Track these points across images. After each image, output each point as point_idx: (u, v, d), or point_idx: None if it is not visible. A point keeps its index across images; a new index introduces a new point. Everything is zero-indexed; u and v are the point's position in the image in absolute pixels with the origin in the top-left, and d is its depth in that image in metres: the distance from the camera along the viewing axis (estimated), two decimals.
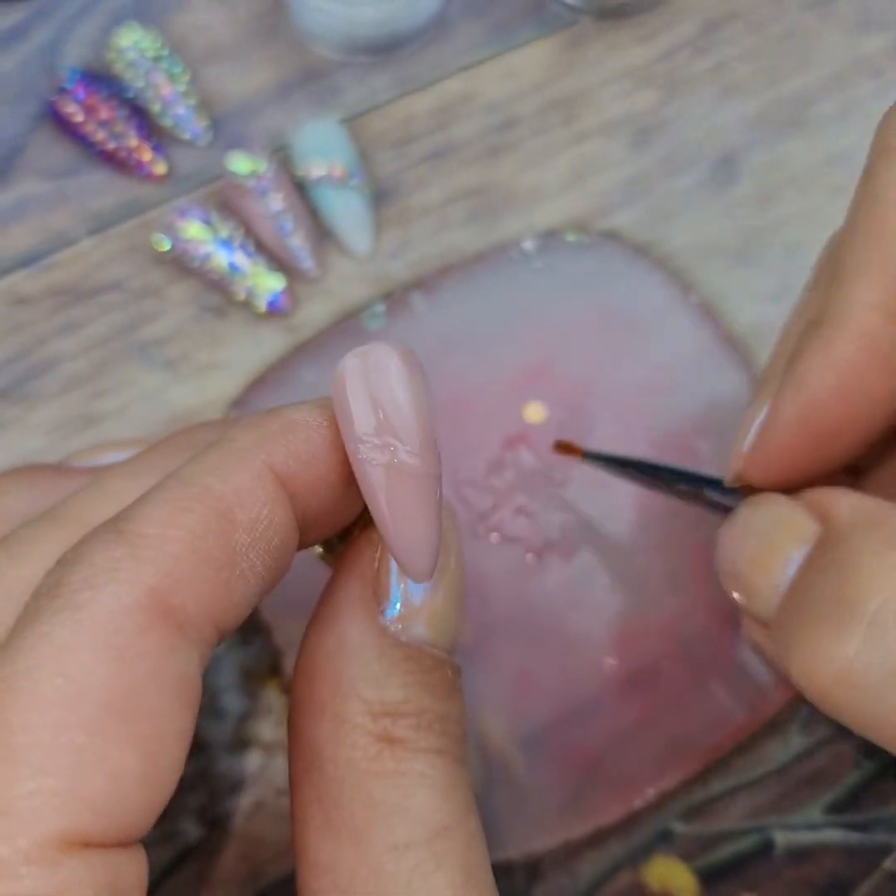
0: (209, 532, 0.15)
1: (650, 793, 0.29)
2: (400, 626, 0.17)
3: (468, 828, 0.17)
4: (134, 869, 0.14)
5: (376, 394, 0.16)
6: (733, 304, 0.35)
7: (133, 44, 0.36)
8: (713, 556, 0.23)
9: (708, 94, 0.38)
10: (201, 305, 0.34)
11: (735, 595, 0.21)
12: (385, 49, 0.37)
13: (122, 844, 0.14)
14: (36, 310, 0.34)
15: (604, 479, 0.32)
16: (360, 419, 0.16)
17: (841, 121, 0.38)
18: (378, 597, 0.18)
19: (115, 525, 0.15)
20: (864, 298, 0.19)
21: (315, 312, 0.34)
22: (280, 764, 0.29)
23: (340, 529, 0.19)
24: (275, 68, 0.37)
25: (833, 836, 0.30)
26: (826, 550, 0.19)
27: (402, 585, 0.18)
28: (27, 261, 0.35)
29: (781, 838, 0.30)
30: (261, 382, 0.33)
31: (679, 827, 0.30)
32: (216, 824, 0.29)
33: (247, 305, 0.34)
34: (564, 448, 0.27)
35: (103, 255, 0.35)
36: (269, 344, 0.34)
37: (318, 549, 0.21)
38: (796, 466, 0.21)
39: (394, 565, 0.18)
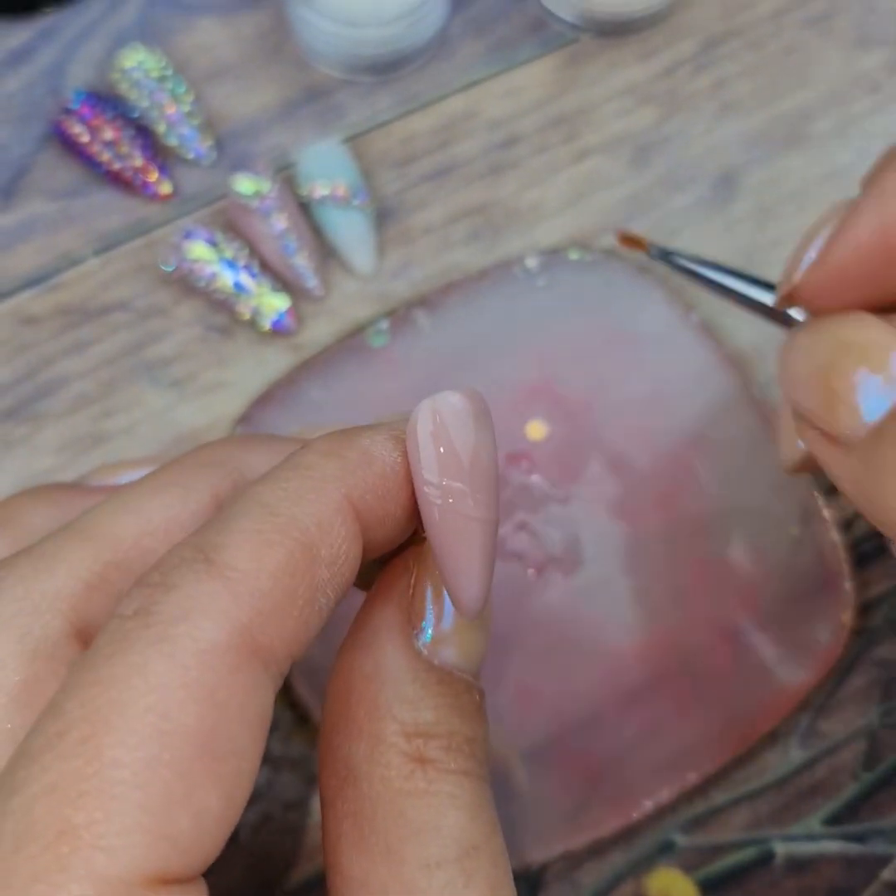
0: (296, 569, 0.15)
1: (650, 805, 0.30)
2: (431, 650, 0.18)
3: (494, 847, 0.17)
4: None
5: (450, 442, 0.17)
6: (733, 321, 0.35)
7: (138, 64, 0.36)
8: (782, 362, 0.21)
9: (708, 111, 0.38)
10: (207, 325, 0.34)
11: (812, 407, 0.19)
12: (387, 68, 0.38)
13: (192, 878, 0.14)
14: (43, 330, 0.34)
15: (605, 497, 0.32)
16: (429, 464, 0.17)
17: (840, 137, 0.38)
18: (413, 621, 0.18)
19: (202, 552, 0.15)
20: None
21: (319, 331, 0.35)
22: (286, 779, 0.30)
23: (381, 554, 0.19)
24: (278, 88, 0.38)
25: (832, 847, 0.30)
26: None
27: (434, 611, 0.18)
28: (34, 281, 0.35)
29: (781, 849, 0.30)
30: (267, 399, 0.33)
31: (680, 838, 0.30)
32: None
33: (252, 325, 0.34)
34: (629, 241, 0.26)
35: (110, 275, 0.35)
36: (274, 363, 0.34)
37: None
38: (863, 292, 0.19)
39: (428, 592, 0.18)
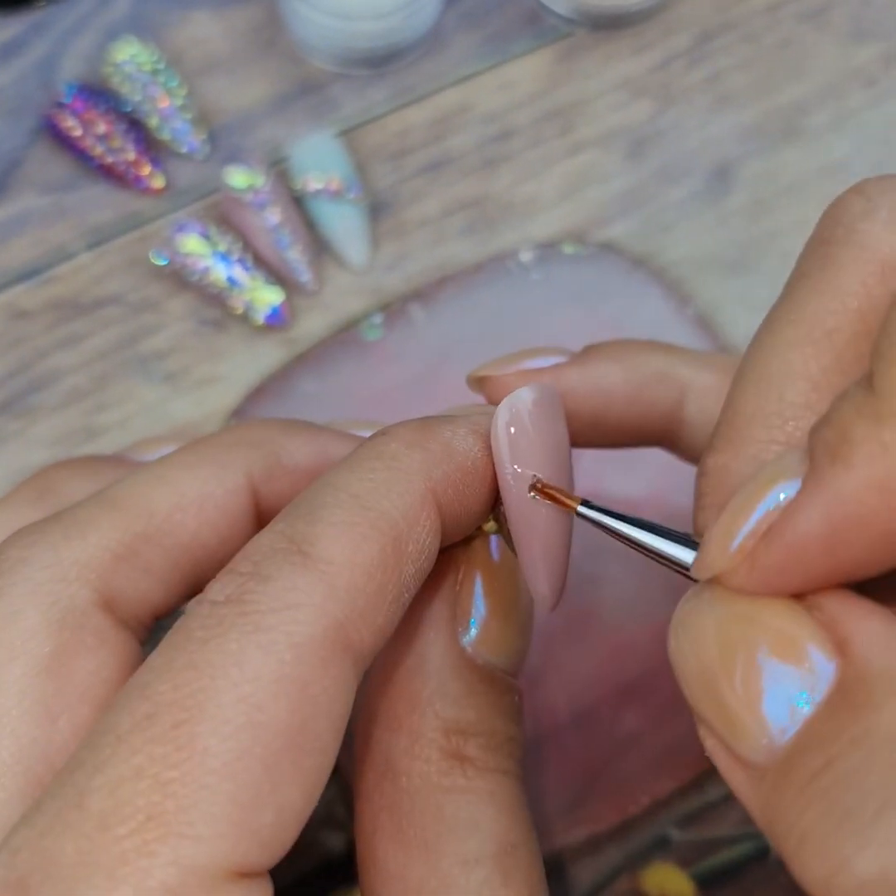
0: (387, 563, 0.15)
1: (646, 800, 0.30)
2: (475, 648, 0.18)
3: (532, 847, 0.17)
4: (267, 891, 0.14)
5: (532, 438, 0.17)
6: (729, 314, 0.35)
7: (130, 58, 0.36)
8: (671, 643, 0.16)
9: (703, 104, 0.38)
10: (200, 319, 0.34)
11: (704, 715, 0.15)
12: (382, 62, 0.37)
13: (264, 872, 0.14)
14: (36, 324, 0.34)
15: (600, 490, 0.32)
16: (518, 460, 0.17)
17: (835, 130, 0.38)
18: (459, 618, 0.18)
19: (296, 544, 0.15)
20: None
21: (313, 325, 0.34)
22: None
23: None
24: (272, 81, 0.38)
25: None
26: (847, 705, 0.13)
27: (478, 611, 0.18)
28: (26, 275, 0.35)
29: None
30: (260, 393, 0.33)
31: (676, 833, 0.30)
32: None
33: (245, 319, 0.34)
34: (549, 495, 0.19)
35: (102, 269, 0.35)
36: (267, 357, 0.34)
37: (491, 525, 0.21)
38: (814, 577, 0.14)
39: (476, 589, 0.18)
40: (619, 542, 0.18)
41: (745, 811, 0.30)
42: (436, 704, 0.17)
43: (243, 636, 0.14)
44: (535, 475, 0.17)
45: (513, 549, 0.19)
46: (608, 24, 0.39)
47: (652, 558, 0.18)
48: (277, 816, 0.13)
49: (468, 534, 0.18)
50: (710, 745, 0.15)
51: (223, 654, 0.14)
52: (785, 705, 0.14)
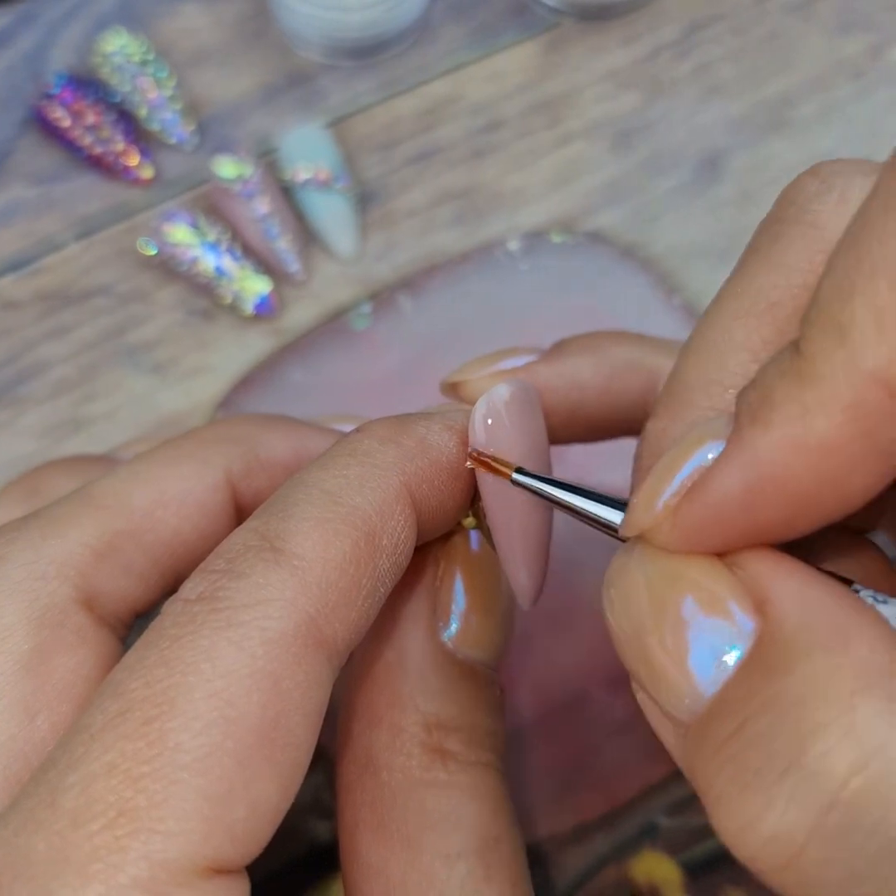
0: (360, 558, 0.15)
1: (634, 788, 0.30)
2: (455, 643, 0.18)
3: (514, 840, 0.17)
4: (244, 889, 0.14)
5: (510, 431, 0.17)
6: None
7: (119, 49, 0.36)
8: (604, 601, 0.16)
9: (691, 95, 0.38)
10: (189, 309, 0.34)
11: (634, 669, 0.15)
12: (369, 53, 0.38)
13: (239, 869, 0.14)
14: (24, 314, 0.34)
15: (590, 479, 0.32)
16: (497, 451, 0.17)
17: (822, 122, 0.38)
18: (439, 614, 0.18)
19: (268, 541, 0.15)
20: (869, 365, 0.13)
21: (301, 315, 0.34)
22: None
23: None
24: (260, 72, 0.38)
25: None
26: (762, 667, 0.13)
27: (459, 606, 0.18)
28: (15, 265, 0.35)
29: None
30: (249, 382, 0.33)
31: (664, 821, 0.30)
32: None
33: (234, 309, 0.34)
34: (484, 464, 0.19)
35: (91, 260, 0.35)
36: (256, 346, 0.34)
37: (470, 520, 0.21)
38: (719, 541, 0.15)
39: (456, 584, 0.18)
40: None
41: None
42: (416, 699, 0.17)
43: (215, 632, 0.14)
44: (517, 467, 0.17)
45: (492, 544, 0.19)
46: (596, 15, 0.39)
47: (587, 523, 0.18)
48: (251, 811, 0.13)
49: (447, 529, 0.18)
50: (641, 699, 0.15)
51: (195, 650, 0.14)
52: (711, 660, 0.14)
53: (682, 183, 0.37)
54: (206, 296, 0.34)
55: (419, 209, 0.36)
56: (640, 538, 0.15)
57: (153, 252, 0.34)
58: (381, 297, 0.34)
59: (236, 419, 0.22)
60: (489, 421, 0.17)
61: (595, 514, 0.17)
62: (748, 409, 0.14)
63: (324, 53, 0.38)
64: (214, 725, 0.13)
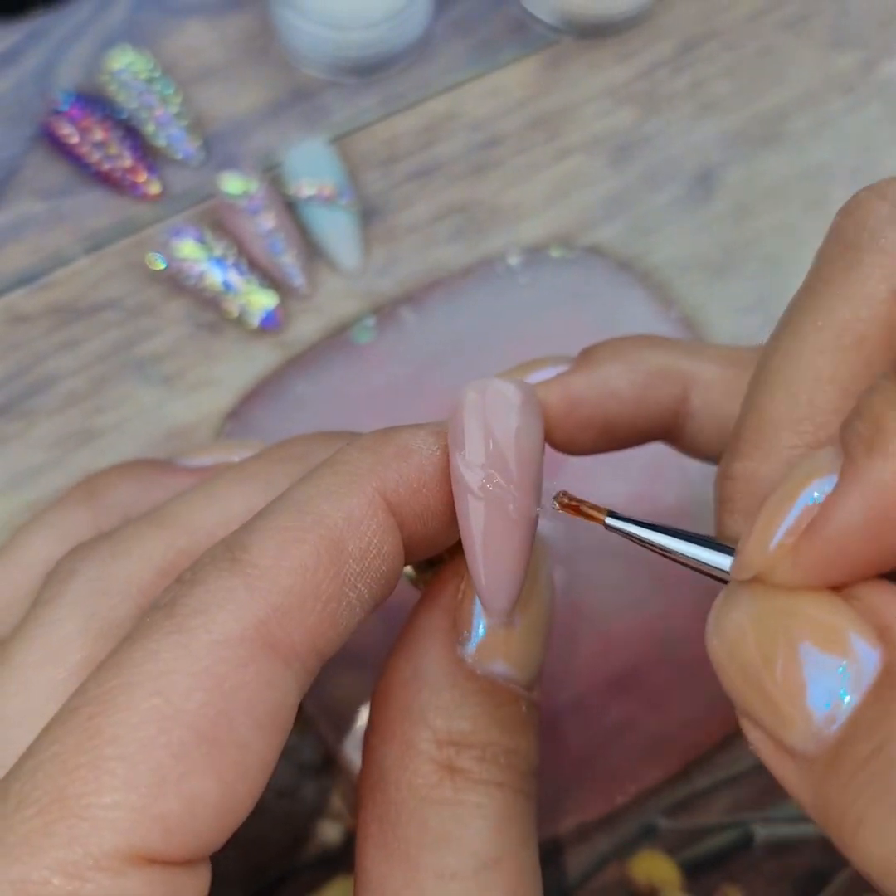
0: (320, 564, 0.15)
1: (633, 789, 0.30)
2: (478, 658, 0.18)
3: (519, 861, 0.17)
4: (194, 885, 0.14)
5: (491, 429, 0.16)
6: (713, 315, 0.36)
7: (126, 66, 0.37)
8: (709, 644, 0.16)
9: (686, 111, 0.39)
10: (196, 323, 0.35)
11: (749, 709, 0.15)
12: (372, 70, 0.38)
13: (187, 863, 0.14)
14: (34, 328, 0.35)
15: (589, 487, 0.33)
16: (471, 451, 0.16)
17: (815, 136, 0.39)
18: (458, 628, 0.18)
19: (230, 551, 0.15)
20: None
21: (306, 328, 0.35)
22: (280, 767, 0.30)
23: (435, 553, 0.19)
24: (265, 89, 0.38)
25: (810, 829, 0.31)
26: (893, 690, 0.14)
27: (485, 619, 0.18)
28: (24, 280, 0.35)
29: (761, 832, 0.31)
30: (255, 395, 0.34)
31: (663, 822, 0.31)
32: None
33: (240, 322, 0.35)
34: (574, 509, 0.19)
35: (100, 274, 0.36)
36: (262, 359, 0.35)
37: (408, 571, 0.21)
38: (854, 568, 0.15)
39: (478, 598, 0.18)
40: (644, 549, 0.18)
41: (730, 800, 0.31)
42: (428, 715, 0.17)
43: (164, 636, 0.14)
44: (488, 469, 0.16)
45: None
46: (593, 33, 0.39)
47: (683, 564, 0.18)
48: (185, 805, 0.14)
49: (450, 538, 0.18)
50: (755, 739, 0.15)
51: (143, 652, 0.14)
52: (828, 695, 0.14)
53: (678, 197, 0.38)
54: (213, 309, 0.35)
55: (421, 224, 0.37)
56: (754, 579, 0.15)
57: (162, 266, 0.34)
58: (384, 311, 0.35)
59: (301, 438, 0.22)
60: (465, 418, 0.17)
61: (696, 558, 0.17)
62: (860, 440, 0.14)
63: (327, 71, 0.38)
64: (150, 720, 0.14)
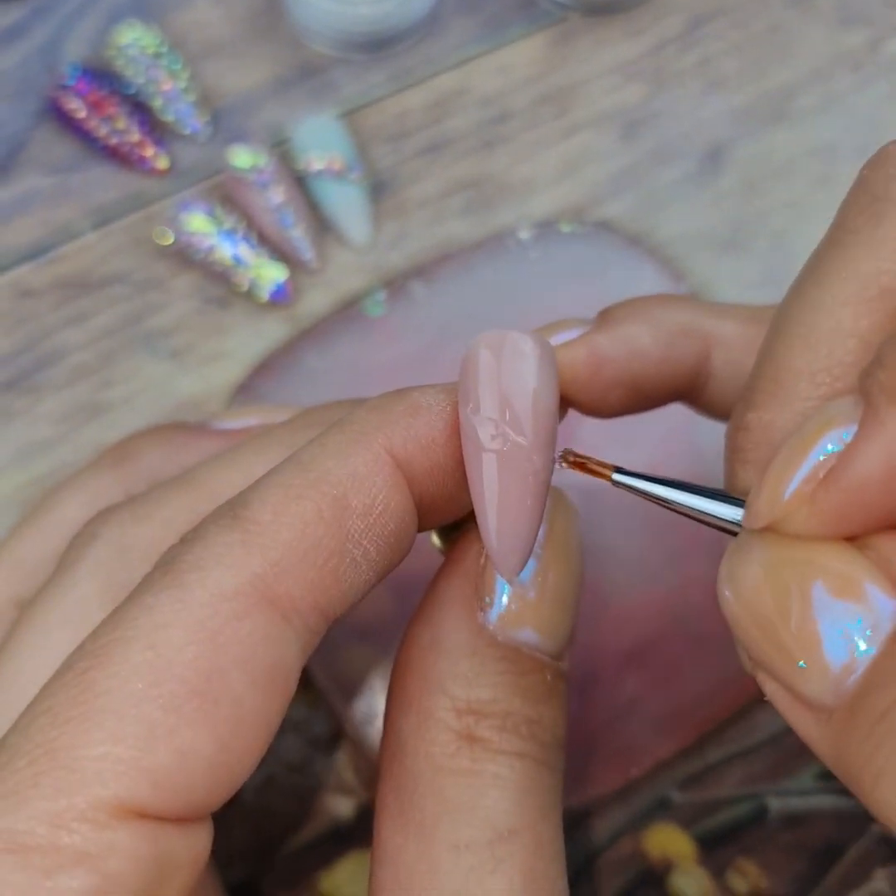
0: (321, 520, 0.15)
1: (648, 763, 0.30)
2: (500, 625, 0.17)
3: (537, 833, 0.17)
4: (189, 846, 0.14)
5: (507, 380, 0.16)
6: (721, 290, 0.36)
7: (133, 41, 0.37)
8: (721, 595, 0.16)
9: (695, 88, 0.39)
10: (205, 297, 0.35)
11: (764, 661, 0.15)
12: (380, 46, 0.38)
13: (181, 820, 0.14)
14: (42, 302, 0.35)
15: (613, 456, 0.33)
16: (485, 402, 0.16)
17: (823, 113, 0.39)
18: (480, 594, 0.17)
19: (232, 509, 0.15)
20: None
21: (316, 302, 0.35)
22: (290, 741, 0.30)
23: (458, 518, 0.18)
24: (273, 64, 0.38)
25: (824, 801, 0.31)
26: None
27: (503, 586, 0.17)
28: (33, 254, 0.35)
29: (775, 804, 0.31)
30: (265, 368, 0.34)
31: (677, 795, 0.31)
32: (230, 799, 0.29)
33: (249, 296, 0.35)
34: (580, 465, 0.19)
35: (108, 249, 0.35)
36: (271, 333, 0.34)
37: (434, 538, 0.20)
38: (873, 518, 0.14)
39: None
40: (655, 505, 0.17)
41: (744, 773, 0.31)
42: (446, 683, 0.17)
43: (161, 591, 0.14)
44: (502, 427, 0.16)
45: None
46: (601, 10, 0.39)
47: (692, 517, 0.17)
48: (176, 759, 0.13)
49: (466, 497, 0.17)
50: (771, 691, 0.15)
51: (139, 607, 0.14)
52: (845, 645, 0.14)
53: (687, 173, 0.38)
54: (222, 283, 0.35)
55: (430, 199, 0.37)
56: (765, 529, 0.15)
57: (170, 240, 0.34)
58: (395, 285, 0.35)
59: (331, 404, 0.22)
60: (476, 366, 0.16)
61: (706, 510, 0.17)
62: (882, 389, 0.14)
63: (335, 46, 0.38)
64: (140, 673, 0.14)
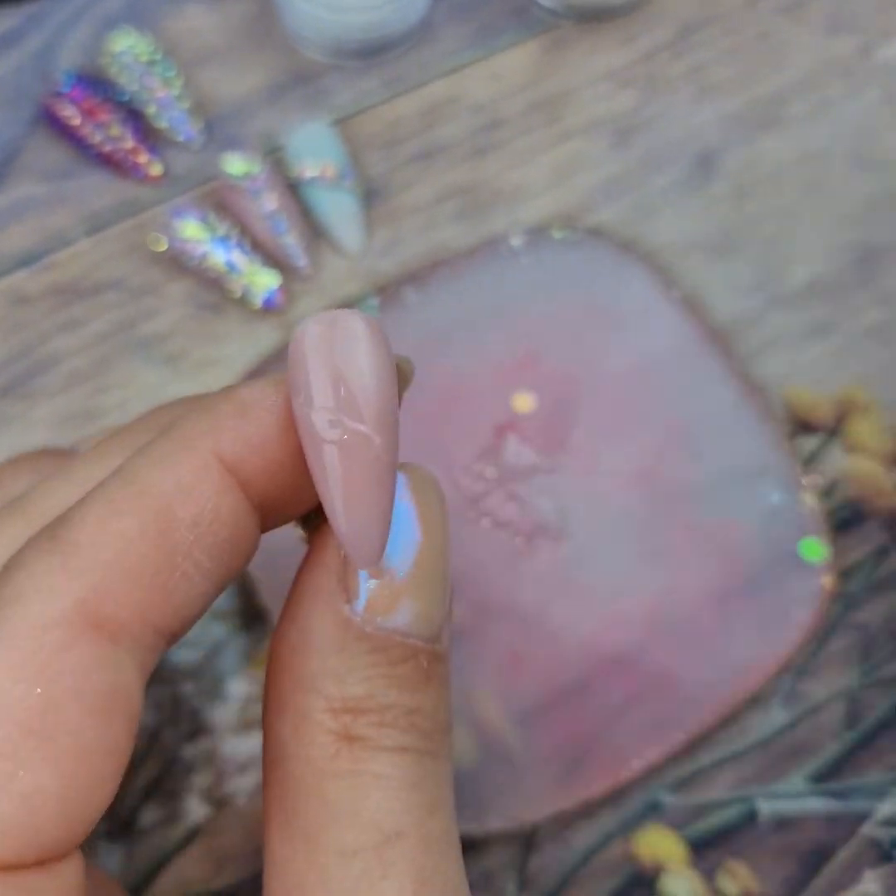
0: (145, 535, 0.14)
1: (638, 766, 0.30)
2: (368, 616, 0.16)
3: (427, 831, 0.16)
4: (57, 886, 0.14)
5: (339, 365, 0.15)
6: (713, 296, 0.36)
7: (127, 48, 0.37)
8: None
9: (686, 94, 0.39)
10: (198, 303, 0.35)
11: None
12: (373, 53, 0.38)
13: (40, 864, 0.13)
14: (36, 309, 0.35)
15: (591, 467, 0.33)
16: (318, 391, 0.15)
17: (814, 120, 0.39)
18: (344, 585, 0.16)
19: (52, 530, 0.15)
20: None
21: (309, 308, 0.35)
22: None
23: (312, 508, 0.17)
24: (266, 72, 0.38)
25: (814, 804, 0.31)
26: None
27: (369, 575, 0.16)
28: (26, 261, 0.35)
29: (765, 807, 0.31)
30: (259, 374, 0.34)
31: (668, 798, 0.31)
32: (222, 804, 0.30)
33: (243, 303, 0.35)
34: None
35: (101, 255, 0.35)
36: (264, 340, 0.35)
37: (298, 530, 0.20)
38: None
39: None
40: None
41: (734, 776, 0.31)
42: (319, 682, 0.16)
43: None
44: (339, 415, 0.15)
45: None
46: (593, 17, 0.40)
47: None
48: (21, 805, 0.13)
49: (313, 490, 0.16)
50: None
51: None
52: None
53: (679, 179, 0.38)
54: (215, 290, 0.35)
55: (423, 205, 0.37)
56: None
57: (164, 247, 0.34)
58: (388, 291, 0.35)
59: (169, 405, 0.21)
60: (316, 355, 0.15)
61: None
62: None
63: (328, 53, 0.38)
64: None
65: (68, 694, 0.14)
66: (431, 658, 0.17)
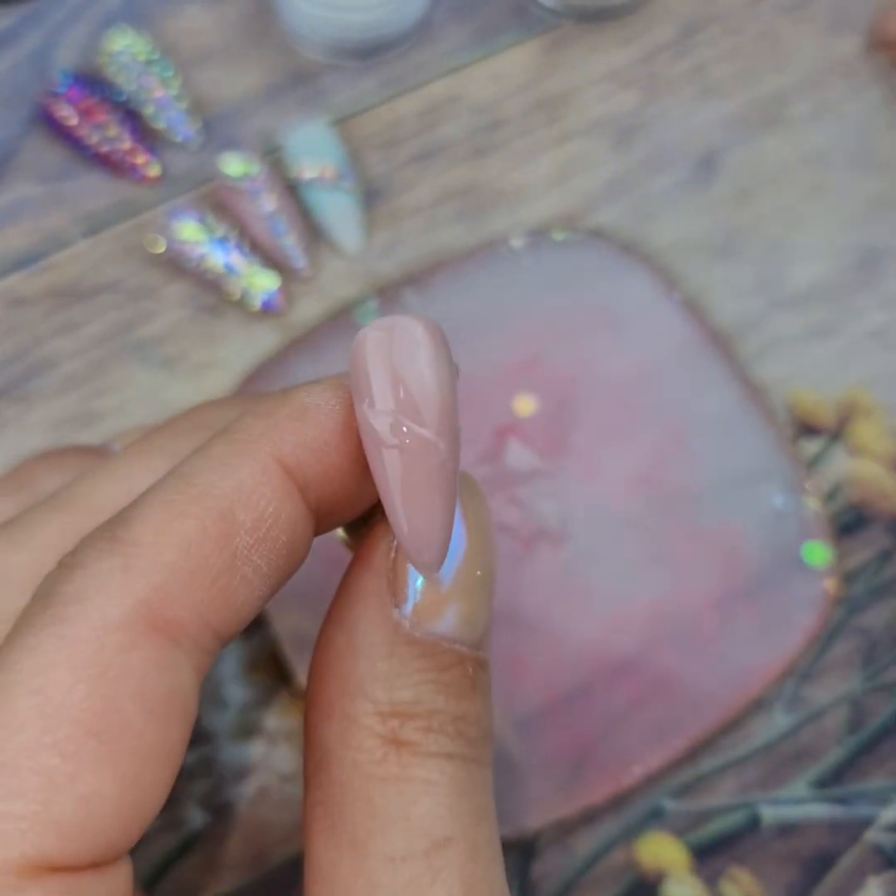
0: (207, 538, 0.14)
1: (640, 772, 0.30)
2: (416, 620, 0.16)
3: (474, 838, 0.16)
4: (107, 890, 0.14)
5: (399, 370, 0.15)
6: (715, 298, 0.36)
7: (125, 48, 0.36)
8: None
9: (687, 95, 0.39)
10: (197, 305, 0.35)
11: None
12: (372, 53, 0.38)
13: (95, 866, 0.13)
14: (33, 311, 0.34)
15: (592, 470, 0.33)
16: (379, 396, 0.15)
17: (816, 120, 0.39)
18: (393, 589, 0.16)
19: (111, 530, 0.15)
20: None
21: (308, 310, 0.35)
22: (283, 751, 0.30)
23: (362, 513, 0.17)
24: (264, 72, 0.38)
25: (817, 810, 0.31)
26: None
27: (422, 577, 0.16)
28: (23, 263, 0.35)
29: (768, 813, 0.31)
30: (257, 377, 0.33)
31: (670, 804, 0.31)
32: (221, 811, 0.29)
33: (241, 304, 0.34)
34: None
35: (99, 257, 0.35)
36: (263, 342, 0.34)
37: (341, 534, 0.20)
38: None
39: None
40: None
41: (736, 782, 0.31)
42: (367, 686, 0.16)
43: (42, 629, 0.14)
44: (401, 418, 0.15)
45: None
46: (594, 17, 0.39)
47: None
48: (84, 807, 0.13)
49: (369, 494, 0.17)
50: None
51: (21, 649, 0.14)
52: None
53: (680, 180, 0.38)
54: (214, 292, 0.35)
55: (423, 206, 0.37)
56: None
57: (162, 249, 0.34)
58: (387, 293, 0.35)
59: (207, 404, 0.21)
60: (365, 359, 0.15)
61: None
62: None
63: (327, 53, 0.38)
64: (32, 721, 0.13)
65: (129, 696, 0.14)
66: (476, 665, 0.17)
